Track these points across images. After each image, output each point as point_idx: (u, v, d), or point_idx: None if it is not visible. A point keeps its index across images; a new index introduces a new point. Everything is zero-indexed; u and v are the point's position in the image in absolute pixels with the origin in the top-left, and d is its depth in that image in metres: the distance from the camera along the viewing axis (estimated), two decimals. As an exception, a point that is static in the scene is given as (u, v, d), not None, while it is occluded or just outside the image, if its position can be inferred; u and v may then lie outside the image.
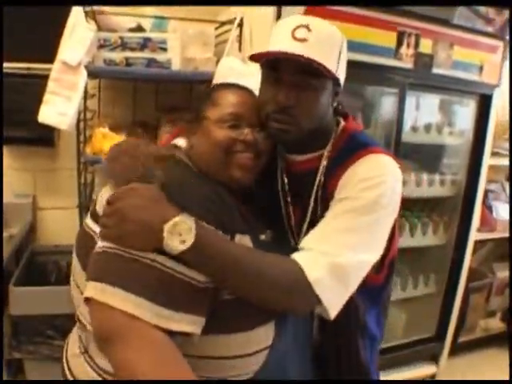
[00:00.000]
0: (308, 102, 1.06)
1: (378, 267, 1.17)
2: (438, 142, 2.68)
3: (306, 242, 1.04)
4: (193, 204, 0.91)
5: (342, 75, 1.11)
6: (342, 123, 1.20)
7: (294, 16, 1.09)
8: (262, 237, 1.08)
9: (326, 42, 1.04)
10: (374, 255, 1.06)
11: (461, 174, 2.71)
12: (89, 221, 1.11)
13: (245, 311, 0.95)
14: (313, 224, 1.10)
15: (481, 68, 2.44)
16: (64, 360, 1.10)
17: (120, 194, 0.91)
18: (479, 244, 3.00)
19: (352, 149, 1.12)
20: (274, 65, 1.06)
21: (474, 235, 2.74)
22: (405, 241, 2.61)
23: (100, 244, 0.91)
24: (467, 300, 2.98)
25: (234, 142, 1.07)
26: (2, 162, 2.34)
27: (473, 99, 2.59)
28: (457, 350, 2.98)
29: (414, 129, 2.53)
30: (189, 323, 0.86)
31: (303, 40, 1.01)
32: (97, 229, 1.01)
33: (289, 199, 1.22)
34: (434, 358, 2.86)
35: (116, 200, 0.90)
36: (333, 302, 0.99)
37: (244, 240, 0.99)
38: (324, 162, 1.14)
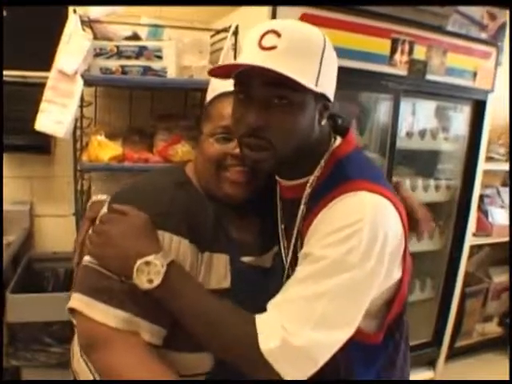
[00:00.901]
0: (282, 122, 0.89)
1: (378, 323, 1.03)
2: (433, 148, 2.70)
3: (273, 301, 0.92)
4: (169, 215, 0.96)
5: (328, 86, 0.94)
6: (336, 143, 1.02)
7: (267, 22, 0.92)
8: (246, 259, 1.06)
9: (299, 48, 0.87)
10: (343, 330, 0.88)
11: (456, 179, 2.73)
12: None
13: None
14: (295, 258, 1.00)
15: (474, 74, 2.46)
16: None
17: (112, 216, 0.96)
18: (475, 249, 3.02)
19: (333, 180, 0.96)
20: (240, 79, 0.91)
21: (469, 240, 2.75)
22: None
23: (86, 258, 0.97)
24: (463, 305, 2.99)
25: (225, 156, 1.03)
26: (2, 169, 2.34)
27: (467, 105, 2.62)
28: (454, 354, 2.99)
29: (409, 135, 2.55)
30: (152, 333, 0.93)
31: (271, 48, 0.85)
32: None
33: (281, 225, 1.11)
34: (431, 363, 2.87)
35: (107, 221, 0.96)
36: (292, 373, 0.86)
37: (220, 259, 1.01)
38: (308, 191, 0.99)
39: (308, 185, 0.99)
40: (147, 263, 0.87)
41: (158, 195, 1.00)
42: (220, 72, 0.94)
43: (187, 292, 0.90)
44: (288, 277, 0.99)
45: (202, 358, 0.99)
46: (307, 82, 0.85)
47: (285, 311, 0.88)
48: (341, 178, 0.95)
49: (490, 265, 3.31)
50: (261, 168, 0.96)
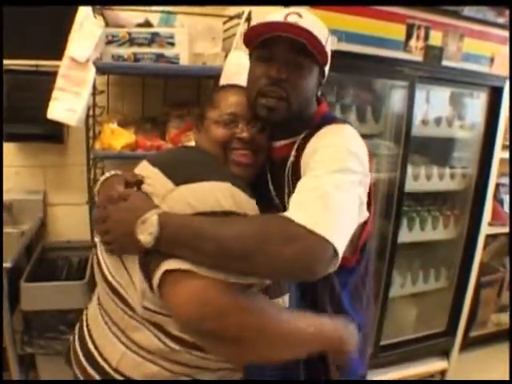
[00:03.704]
0: (299, 79, 1.09)
1: (352, 249, 1.16)
2: (449, 136, 2.66)
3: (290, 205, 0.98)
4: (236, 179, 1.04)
5: (327, 66, 1.17)
6: (316, 109, 1.22)
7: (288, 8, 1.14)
8: None
9: (316, 29, 1.06)
10: (352, 219, 1.01)
11: (472, 168, 2.68)
12: None
13: None
14: None
15: (491, 60, 2.41)
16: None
17: (110, 196, 1.02)
18: (490, 238, 2.97)
19: (318, 128, 1.13)
20: (266, 43, 1.09)
21: (485, 229, 2.72)
22: (415, 235, 2.61)
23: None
24: (478, 294, 2.95)
25: (231, 139, 1.14)
26: (1, 160, 2.34)
27: (483, 91, 2.56)
28: (468, 344, 2.96)
29: (424, 122, 2.51)
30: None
31: (295, 23, 1.04)
32: None
33: (272, 190, 1.23)
34: (445, 353, 2.85)
35: (107, 200, 1.02)
36: (337, 237, 0.91)
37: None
38: (298, 143, 1.15)
39: (296, 144, 1.16)
40: (143, 221, 0.90)
41: (215, 166, 1.12)
42: (252, 34, 1.11)
43: (190, 222, 0.91)
44: None
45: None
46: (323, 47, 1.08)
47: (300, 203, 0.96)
48: (324, 123, 1.14)
49: (506, 254, 3.27)
50: (273, 118, 1.11)
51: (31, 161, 2.53)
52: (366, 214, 1.11)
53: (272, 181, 1.23)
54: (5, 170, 2.45)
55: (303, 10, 1.10)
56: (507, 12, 2.36)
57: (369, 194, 1.13)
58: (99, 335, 1.11)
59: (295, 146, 1.15)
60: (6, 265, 1.95)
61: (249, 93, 1.15)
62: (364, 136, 2.37)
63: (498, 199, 3.00)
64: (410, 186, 2.43)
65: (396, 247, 2.44)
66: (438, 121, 2.56)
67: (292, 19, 1.06)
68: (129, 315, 1.01)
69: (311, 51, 1.06)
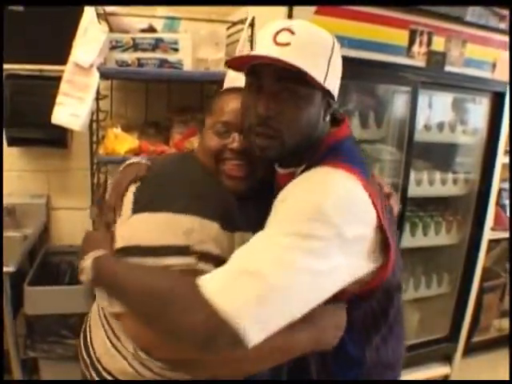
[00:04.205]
0: (291, 114, 0.94)
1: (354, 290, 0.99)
2: (451, 141, 2.66)
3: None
4: (199, 200, 1.02)
5: (333, 85, 0.98)
6: (328, 135, 1.05)
7: (280, 20, 0.97)
8: None
9: (311, 46, 0.93)
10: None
11: (474, 173, 2.68)
12: None
13: None
14: None
15: (494, 65, 2.42)
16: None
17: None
18: (493, 243, 2.97)
19: (316, 162, 0.99)
20: (255, 72, 0.97)
21: (487, 234, 2.72)
22: (418, 240, 2.60)
23: None
24: (481, 300, 2.95)
25: (223, 150, 1.09)
26: (1, 163, 2.35)
27: (486, 97, 2.56)
28: (470, 350, 2.95)
29: (427, 127, 2.51)
30: None
31: (285, 44, 0.91)
32: None
33: None
34: (448, 359, 2.84)
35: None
36: (247, 319, 0.79)
37: (247, 237, 0.99)
38: (298, 174, 1.02)
39: (299, 170, 1.03)
40: (82, 264, 0.97)
41: (187, 182, 1.07)
42: (236, 63, 1.00)
43: (117, 271, 0.94)
44: None
45: None
46: (317, 77, 0.91)
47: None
48: (321, 160, 0.98)
49: (508, 259, 3.27)
50: (267, 156, 1.00)
51: (35, 165, 2.53)
52: (366, 267, 0.95)
53: None
54: (8, 174, 2.46)
55: (298, 24, 0.94)
56: (509, 17, 2.37)
57: (385, 238, 0.95)
58: (93, 328, 1.15)
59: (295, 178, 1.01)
60: (9, 269, 1.96)
61: (242, 123, 1.02)
62: (366, 141, 2.41)
63: (500, 204, 3.00)
64: (413, 191, 2.43)
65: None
66: (440, 126, 2.56)
67: (282, 39, 0.91)
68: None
69: (305, 78, 0.91)
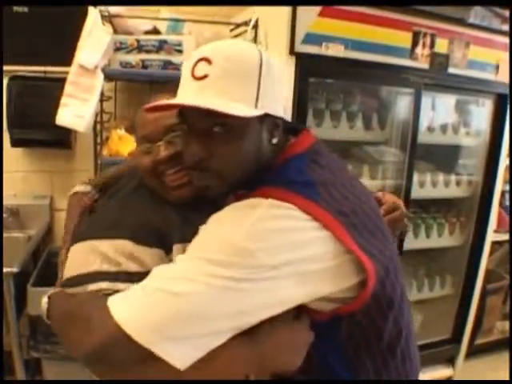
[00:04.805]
0: (226, 150, 0.87)
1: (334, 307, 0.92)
2: (454, 143, 2.67)
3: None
4: (135, 229, 0.94)
5: (272, 104, 0.89)
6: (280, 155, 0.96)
7: (201, 47, 0.89)
8: None
9: (232, 72, 0.85)
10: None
11: (477, 175, 2.69)
12: None
13: None
14: None
15: (497, 67, 2.42)
16: None
17: None
18: (496, 245, 2.97)
19: (252, 187, 0.92)
20: (182, 112, 0.89)
21: (490, 236, 2.72)
22: (421, 242, 2.61)
23: None
24: (484, 302, 2.95)
25: (155, 166, 1.00)
26: (1, 163, 2.37)
27: (489, 99, 2.57)
28: (473, 352, 2.96)
29: (430, 129, 2.52)
30: None
31: (203, 77, 0.84)
32: None
33: None
34: (451, 361, 2.84)
35: None
36: (155, 336, 0.76)
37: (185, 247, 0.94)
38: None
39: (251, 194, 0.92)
40: (44, 298, 0.95)
41: (116, 206, 1.03)
42: (149, 111, 0.92)
43: (54, 305, 0.92)
44: None
45: None
46: (246, 105, 0.84)
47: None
48: (257, 185, 0.90)
49: (509, 261, 3.27)
50: (211, 195, 0.94)
51: (39, 166, 2.54)
52: (333, 286, 0.87)
53: None
54: (12, 174, 2.47)
55: (215, 50, 0.86)
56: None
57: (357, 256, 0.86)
58: None
59: None
60: (13, 269, 1.96)
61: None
62: (370, 143, 2.42)
63: (503, 206, 3.00)
64: (416, 192, 2.44)
65: (402, 254, 2.43)
66: (443, 128, 2.56)
67: (199, 71, 0.84)
68: None
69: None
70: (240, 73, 0.85)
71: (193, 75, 0.84)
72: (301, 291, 0.85)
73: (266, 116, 0.89)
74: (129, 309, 0.78)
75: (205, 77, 0.83)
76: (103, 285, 0.89)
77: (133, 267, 0.91)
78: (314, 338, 0.95)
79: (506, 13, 2.34)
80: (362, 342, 0.96)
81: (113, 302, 0.80)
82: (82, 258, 0.94)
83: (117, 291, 0.85)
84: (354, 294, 0.89)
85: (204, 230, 0.87)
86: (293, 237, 0.83)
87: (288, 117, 0.92)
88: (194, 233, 0.88)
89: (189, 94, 0.84)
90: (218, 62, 0.84)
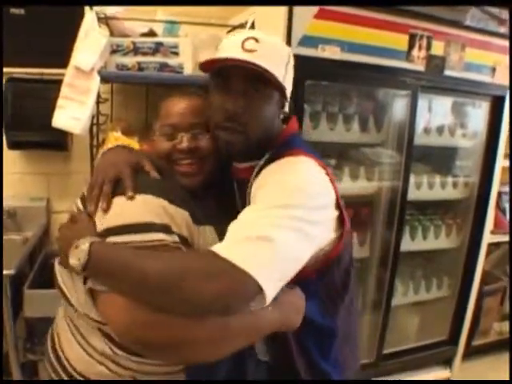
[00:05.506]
0: (256, 110, 1.09)
1: (316, 263, 1.12)
2: (451, 144, 2.67)
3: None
4: (172, 191, 1.07)
5: (288, 87, 1.14)
6: (281, 130, 1.21)
7: (244, 31, 1.13)
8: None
9: (273, 53, 1.08)
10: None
11: (474, 176, 2.69)
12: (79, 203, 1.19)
13: None
14: None
15: (493, 69, 2.43)
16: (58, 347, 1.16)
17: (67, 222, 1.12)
18: (493, 247, 2.97)
19: (275, 155, 1.12)
20: (223, 73, 1.09)
21: (487, 238, 2.72)
22: (418, 243, 2.61)
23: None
24: (481, 303, 2.95)
25: (173, 152, 1.15)
26: (1, 164, 2.36)
27: (485, 101, 2.58)
28: (470, 353, 2.96)
29: (427, 131, 2.52)
30: None
31: (252, 51, 1.04)
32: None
33: (239, 202, 1.24)
34: (448, 362, 2.84)
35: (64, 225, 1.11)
36: (265, 275, 0.89)
37: (211, 231, 1.10)
38: (256, 169, 1.13)
39: (257, 167, 1.14)
40: (76, 247, 0.95)
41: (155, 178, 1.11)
42: (209, 65, 1.10)
43: (119, 255, 0.93)
44: None
45: None
46: (279, 78, 1.06)
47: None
48: (280, 151, 1.12)
49: (508, 263, 3.27)
50: (230, 149, 1.12)
51: (35, 168, 2.54)
52: (329, 237, 1.11)
53: (240, 199, 1.23)
54: (9, 176, 2.47)
55: (261, 34, 1.09)
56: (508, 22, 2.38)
57: (341, 214, 1.14)
58: (61, 332, 1.16)
59: (255, 170, 1.14)
60: (10, 271, 1.95)
61: (210, 121, 1.14)
62: (366, 145, 2.42)
63: (500, 208, 3.00)
64: (413, 194, 2.44)
65: (398, 256, 2.44)
66: (440, 130, 2.56)
67: (249, 46, 1.05)
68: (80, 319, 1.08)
69: (268, 79, 1.05)
70: (278, 55, 1.10)
71: (243, 47, 1.05)
72: (327, 234, 1.10)
73: (281, 95, 1.14)
74: (240, 256, 0.89)
75: (253, 51, 1.04)
76: (169, 238, 0.98)
77: (187, 236, 1.04)
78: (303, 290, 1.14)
79: (503, 15, 2.34)
80: (335, 293, 1.21)
81: (219, 249, 0.90)
82: (137, 208, 1.00)
83: (174, 243, 0.98)
84: (330, 247, 1.13)
85: (265, 185, 1.04)
86: (325, 185, 1.09)
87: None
88: (207, 217, 1.09)
89: (243, 58, 1.03)
90: (265, 42, 1.07)
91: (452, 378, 2.82)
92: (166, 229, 0.98)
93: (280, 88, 1.09)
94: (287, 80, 1.12)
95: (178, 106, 1.16)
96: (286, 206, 0.97)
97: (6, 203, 2.43)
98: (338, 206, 1.13)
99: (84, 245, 0.93)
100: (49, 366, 1.16)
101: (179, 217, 1.03)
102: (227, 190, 1.26)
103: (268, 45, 1.07)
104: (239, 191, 1.23)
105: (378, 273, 2.51)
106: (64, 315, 1.16)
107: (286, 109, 1.92)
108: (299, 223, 0.96)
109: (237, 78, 1.07)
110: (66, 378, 1.09)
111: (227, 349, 0.98)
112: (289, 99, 1.18)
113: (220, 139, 1.12)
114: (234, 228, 0.97)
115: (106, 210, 1.01)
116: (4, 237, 2.37)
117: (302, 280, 1.05)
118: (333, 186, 1.12)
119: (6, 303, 2.00)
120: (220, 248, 0.91)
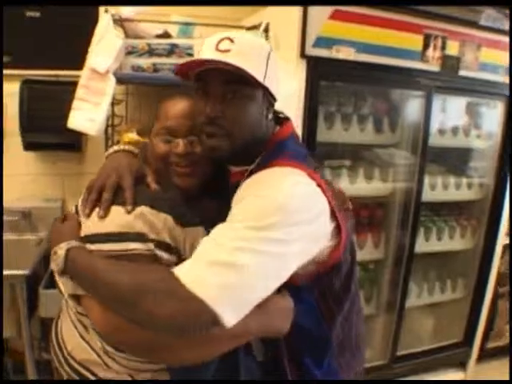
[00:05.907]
0: (236, 112, 1.05)
1: (312, 270, 1.09)
2: (465, 145, 2.66)
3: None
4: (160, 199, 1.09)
5: (272, 85, 1.09)
6: (273, 133, 1.17)
7: (220, 33, 1.07)
8: None
9: (249, 51, 1.04)
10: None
11: (488, 177, 2.67)
12: None
13: None
14: None
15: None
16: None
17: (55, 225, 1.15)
18: (508, 248, 2.95)
19: (263, 162, 1.10)
20: (202, 77, 1.07)
21: (502, 239, 2.70)
22: (432, 245, 2.60)
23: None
24: (495, 305, 2.93)
25: (169, 155, 1.14)
26: (2, 166, 2.39)
27: (500, 101, 2.56)
28: (485, 355, 2.94)
29: (441, 132, 2.51)
30: None
31: (226, 51, 1.02)
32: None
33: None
34: (462, 364, 2.83)
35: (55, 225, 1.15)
36: (222, 301, 0.87)
37: (199, 231, 1.09)
38: (247, 173, 1.12)
39: (248, 171, 1.12)
40: (55, 252, 1.01)
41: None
42: (183, 70, 1.09)
43: (92, 264, 0.97)
44: None
45: None
46: (257, 76, 1.02)
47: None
48: (268, 159, 1.10)
49: (509, 263, 3.24)
50: (218, 156, 1.10)
51: (50, 169, 2.55)
52: (320, 248, 1.06)
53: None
54: (24, 177, 2.49)
55: (237, 34, 1.07)
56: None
57: (337, 223, 1.08)
58: (63, 323, 1.21)
59: (245, 175, 1.12)
60: (25, 272, 1.98)
61: (195, 126, 1.11)
62: (380, 146, 2.41)
63: (515, 209, 2.97)
64: (427, 195, 2.43)
65: (413, 257, 2.43)
66: (454, 130, 2.55)
67: (223, 46, 1.02)
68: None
69: (246, 79, 1.02)
70: (255, 53, 1.06)
71: (217, 48, 1.03)
72: (313, 248, 1.04)
73: (266, 94, 1.10)
74: (199, 281, 0.88)
75: (227, 51, 1.02)
76: (143, 246, 1.00)
77: (169, 241, 1.05)
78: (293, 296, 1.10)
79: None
80: (332, 299, 1.16)
81: (180, 272, 0.90)
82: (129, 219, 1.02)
83: (154, 255, 1.01)
84: (326, 256, 1.09)
85: (243, 199, 1.01)
86: (310, 198, 1.03)
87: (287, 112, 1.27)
88: (200, 218, 1.09)
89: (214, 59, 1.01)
90: (239, 41, 1.04)
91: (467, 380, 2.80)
92: (140, 237, 1.01)
93: (262, 86, 1.05)
94: (270, 77, 1.07)
95: (176, 110, 1.15)
96: (259, 228, 0.93)
97: (22, 204, 2.45)
98: (333, 215, 1.07)
99: (61, 250, 0.99)
100: (55, 360, 1.20)
101: (160, 221, 1.04)
102: (224, 192, 1.22)
103: (243, 44, 1.04)
104: (232, 194, 1.19)
105: (392, 274, 2.50)
106: (66, 307, 1.21)
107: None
108: (271, 246, 0.93)
109: (214, 81, 1.05)
110: (69, 371, 1.13)
111: (207, 353, 1.01)
112: (276, 97, 1.14)
113: (203, 144, 1.09)
114: (202, 247, 0.95)
115: (102, 217, 1.04)
116: (19, 237, 2.40)
117: (293, 286, 1.05)
118: (326, 196, 1.05)
119: (22, 303, 2.02)
120: (182, 270, 0.91)
